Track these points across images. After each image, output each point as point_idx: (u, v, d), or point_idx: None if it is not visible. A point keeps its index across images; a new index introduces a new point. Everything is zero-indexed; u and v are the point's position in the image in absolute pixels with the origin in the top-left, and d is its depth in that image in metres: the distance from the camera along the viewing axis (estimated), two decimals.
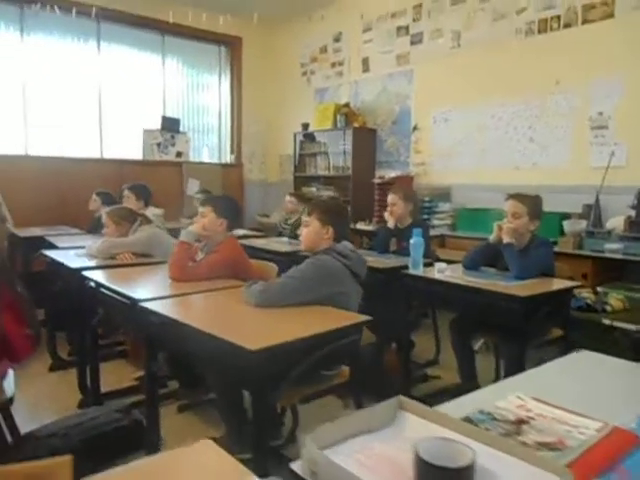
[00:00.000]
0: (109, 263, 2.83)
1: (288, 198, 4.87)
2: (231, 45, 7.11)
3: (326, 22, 6.42)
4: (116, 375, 3.17)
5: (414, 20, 5.50)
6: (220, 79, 7.21)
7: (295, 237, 4.10)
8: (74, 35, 6.03)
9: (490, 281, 2.41)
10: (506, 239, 2.56)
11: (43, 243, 3.95)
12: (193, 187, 6.64)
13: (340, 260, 1.95)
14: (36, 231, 4.36)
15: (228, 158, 7.33)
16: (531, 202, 2.62)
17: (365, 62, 6.09)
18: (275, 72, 7.28)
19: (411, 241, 2.67)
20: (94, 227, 4.53)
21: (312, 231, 2.03)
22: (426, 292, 2.66)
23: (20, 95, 5.70)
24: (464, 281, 2.44)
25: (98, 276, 2.50)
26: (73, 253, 3.19)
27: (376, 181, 5.63)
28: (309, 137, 6.61)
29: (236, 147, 7.31)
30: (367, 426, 0.93)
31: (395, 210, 3.38)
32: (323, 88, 6.67)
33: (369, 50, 6.03)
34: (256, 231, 6.71)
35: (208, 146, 7.24)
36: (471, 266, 2.69)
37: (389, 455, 0.86)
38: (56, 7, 5.22)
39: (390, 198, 3.41)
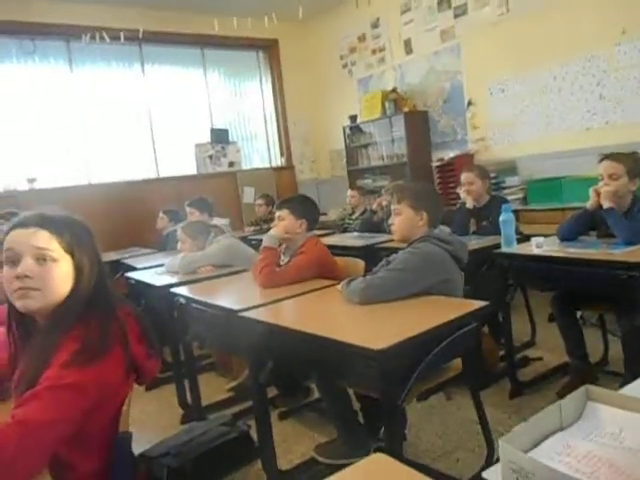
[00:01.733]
0: (193, 277, 2.82)
1: (350, 192, 4.78)
2: (268, 48, 7.09)
3: (361, 10, 6.26)
4: (210, 388, 3.17)
5: None
6: (261, 84, 7.21)
7: (367, 230, 4.01)
8: (119, 61, 6.18)
9: (596, 250, 2.23)
10: (606, 204, 2.36)
11: (121, 266, 4.03)
12: (249, 195, 6.67)
13: (441, 246, 1.84)
14: (111, 255, 4.46)
15: (279, 161, 7.32)
16: (629, 160, 2.40)
17: (407, 44, 5.91)
18: (315, 68, 7.21)
19: (500, 218, 2.51)
20: (164, 245, 4.60)
21: (405, 219, 1.93)
22: (522, 269, 2.50)
23: (78, 126, 5.88)
24: (567, 254, 2.27)
25: (186, 291, 2.49)
26: (153, 272, 3.23)
27: (435, 164, 5.46)
28: (357, 129, 6.49)
29: (285, 149, 7.29)
30: (558, 423, 0.82)
31: (473, 189, 3.22)
32: (366, 77, 6.53)
33: (410, 31, 5.84)
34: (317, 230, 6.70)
35: (258, 152, 7.26)
36: (568, 237, 2.51)
37: (601, 456, 0.74)
38: (105, 35, 5.32)
39: (465, 177, 3.26)
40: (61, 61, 5.83)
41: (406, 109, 5.78)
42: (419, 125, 5.80)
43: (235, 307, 1.97)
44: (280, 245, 2.51)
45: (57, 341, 1.07)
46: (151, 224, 5.12)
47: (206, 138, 6.62)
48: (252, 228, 5.30)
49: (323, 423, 2.54)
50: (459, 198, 5.11)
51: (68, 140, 5.84)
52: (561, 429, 0.82)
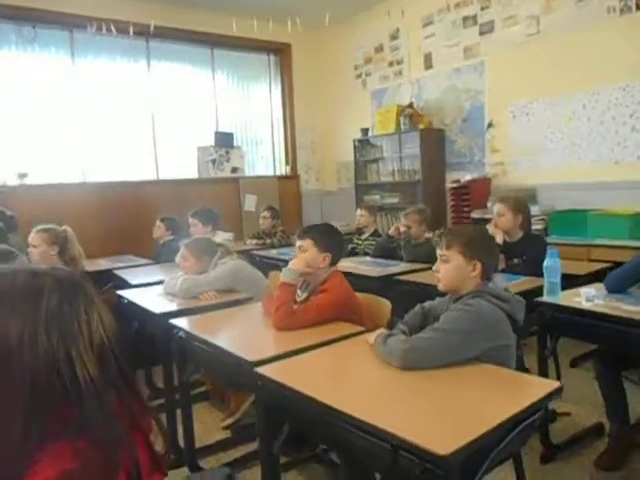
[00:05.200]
0: (195, 305, 2.53)
1: (359, 212, 4.50)
2: (280, 52, 6.82)
3: (381, 20, 6.03)
4: (202, 423, 2.88)
5: (482, 9, 5.04)
6: (270, 88, 6.94)
7: (380, 255, 3.74)
8: (124, 56, 5.88)
9: None
10: None
11: (111, 277, 3.73)
12: (250, 203, 6.38)
13: (497, 304, 1.57)
14: (102, 263, 4.16)
15: (283, 170, 7.03)
16: None
17: (427, 58, 5.67)
18: (327, 77, 6.95)
19: (545, 264, 2.25)
20: (159, 255, 4.30)
21: (454, 268, 1.65)
22: (567, 322, 2.23)
23: (75, 120, 5.57)
24: (623, 312, 2.00)
25: (186, 325, 2.20)
26: (149, 292, 2.93)
27: (451, 185, 5.20)
28: (368, 142, 6.24)
29: (291, 158, 7.01)
30: None
31: (503, 222, 2.96)
32: (381, 89, 6.28)
33: (431, 45, 5.60)
34: None
35: (262, 158, 6.97)
36: (619, 289, 2.25)
37: None
38: (112, 27, 5.04)
39: (497, 208, 3.00)
40: (62, 51, 5.50)
41: (422, 126, 5.53)
42: (434, 143, 5.54)
43: (249, 357, 1.69)
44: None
45: (35, 448, 0.77)
46: (147, 230, 4.80)
47: (210, 141, 6.33)
48: (255, 241, 5.00)
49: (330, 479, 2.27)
50: (472, 223, 4.92)
51: (64, 135, 5.52)
52: None
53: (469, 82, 5.26)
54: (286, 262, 4.01)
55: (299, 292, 2.18)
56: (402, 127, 5.68)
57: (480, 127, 5.20)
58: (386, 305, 2.23)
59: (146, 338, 2.76)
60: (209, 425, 2.90)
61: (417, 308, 1.94)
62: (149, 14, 5.49)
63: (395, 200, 5.88)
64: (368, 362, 1.62)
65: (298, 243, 2.17)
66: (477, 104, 5.21)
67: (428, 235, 3.62)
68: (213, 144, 6.32)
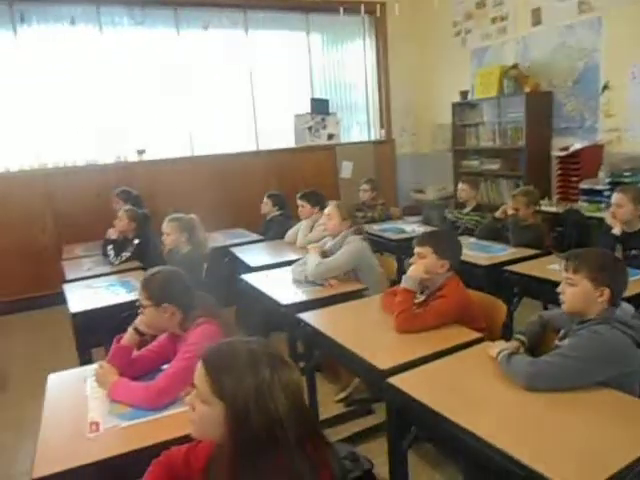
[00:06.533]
0: (318, 296, 2.75)
1: (461, 186, 4.45)
2: (375, 12, 6.63)
3: None
4: (318, 395, 3.16)
5: None
6: (365, 51, 6.84)
7: (485, 237, 3.74)
8: (221, 27, 6.04)
9: None
10: None
11: (226, 253, 4.06)
12: (347, 170, 6.50)
13: (625, 332, 1.62)
14: (217, 238, 4.50)
15: (378, 134, 7.02)
16: None
17: (535, 13, 5.30)
18: (423, 35, 6.71)
19: None
20: (266, 230, 4.58)
21: (580, 293, 1.70)
22: None
23: (182, 96, 5.88)
24: None
25: (313, 320, 2.42)
26: (267, 276, 3.20)
27: (558, 153, 4.98)
28: (468, 105, 6.04)
29: (385, 121, 6.97)
30: None
31: (621, 213, 2.87)
32: (482, 48, 5.99)
33: None
34: (412, 209, 6.45)
35: (358, 123, 6.99)
36: None
37: None
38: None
39: (615, 198, 2.90)
40: (169, 28, 5.77)
41: (527, 88, 5.26)
42: (541, 107, 5.27)
43: (380, 365, 1.88)
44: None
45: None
46: (249, 201, 5.09)
47: (306, 108, 6.45)
48: (360, 214, 5.13)
49: (445, 462, 2.46)
50: (580, 195, 4.71)
51: (174, 110, 5.88)
52: None
53: (583, 40, 4.88)
54: (388, 240, 4.17)
55: (417, 295, 2.32)
56: (505, 89, 5.44)
57: (593, 89, 4.86)
58: (501, 307, 2.32)
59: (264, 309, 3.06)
60: (323, 398, 3.16)
61: (535, 318, 2.02)
62: None
63: (495, 167, 5.73)
64: (492, 377, 1.74)
65: (417, 250, 2.29)
66: (591, 64, 4.85)
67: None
68: (309, 111, 6.44)
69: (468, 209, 4.45)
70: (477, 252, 3.41)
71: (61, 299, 3.12)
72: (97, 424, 1.57)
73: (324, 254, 3.09)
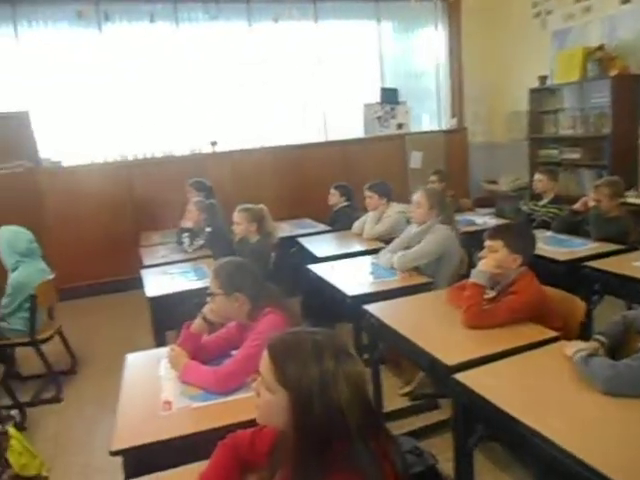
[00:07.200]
0: (384, 288, 2.74)
1: (537, 176, 4.24)
2: None
3: None
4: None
5: None
6: (437, 37, 6.65)
7: (563, 231, 3.55)
8: (292, 19, 6.08)
9: None
10: None
11: (293, 243, 4.11)
12: (416, 160, 6.37)
13: None
14: (285, 228, 4.58)
15: (449, 123, 6.82)
16: None
17: None
18: (500, 19, 6.41)
19: None
20: (334, 221, 4.60)
21: None
22: None
23: (251, 87, 5.99)
24: None
25: (379, 312, 2.40)
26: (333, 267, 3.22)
27: None
28: (547, 91, 5.72)
29: (457, 110, 6.75)
30: None
31: None
32: (564, 29, 5.64)
33: None
34: (483, 201, 6.22)
35: (428, 112, 6.83)
36: None
37: None
38: None
39: None
40: (241, 21, 5.88)
41: (614, 71, 4.91)
42: (629, 91, 4.90)
43: (446, 360, 1.84)
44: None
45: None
46: (316, 192, 5.11)
47: (375, 98, 6.38)
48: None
49: (513, 462, 2.38)
50: None
51: (245, 102, 6.01)
52: None
53: None
54: (459, 233, 4.06)
55: (487, 290, 2.23)
56: (589, 73, 5.10)
57: None
58: (579, 305, 2.19)
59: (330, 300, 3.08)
60: (388, 390, 3.13)
61: (618, 318, 1.89)
62: None
63: (576, 156, 5.41)
64: (567, 378, 1.66)
65: (488, 243, 2.20)
66: None
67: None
68: (379, 101, 6.36)
69: (545, 201, 4.23)
70: (554, 246, 3.25)
71: (139, 283, 3.30)
72: (170, 403, 1.65)
73: (406, 244, 3.08)
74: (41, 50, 5.26)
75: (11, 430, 2.24)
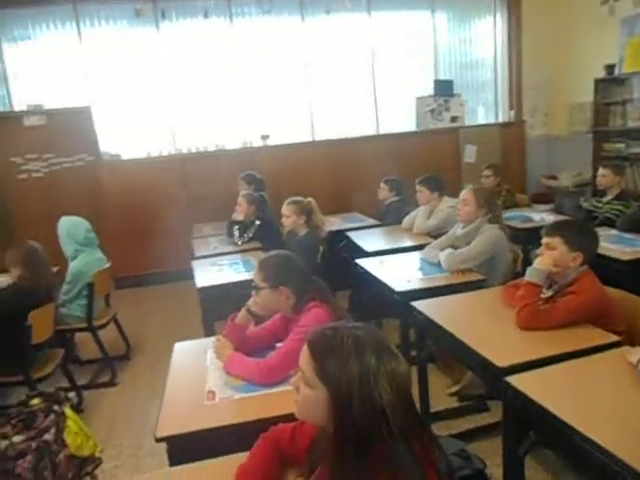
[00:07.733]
0: (435, 285, 2.67)
1: (601, 171, 3.99)
2: None
3: None
4: (431, 386, 3.07)
5: None
6: (495, 26, 6.41)
7: (629, 229, 3.33)
8: (345, 11, 6.01)
9: None
10: None
11: (343, 237, 4.08)
12: (470, 154, 6.18)
13: None
14: (334, 222, 4.55)
15: (506, 116, 6.57)
16: None
17: None
18: (563, 6, 6.09)
19: None
20: (384, 216, 4.52)
21: None
22: None
23: (303, 80, 5.99)
24: None
25: (426, 309, 2.33)
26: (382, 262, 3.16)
27: None
28: (614, 81, 5.40)
29: (515, 102, 6.49)
30: None
31: None
32: (634, 16, 5.30)
33: None
34: (541, 196, 5.96)
35: (484, 104, 6.61)
36: None
37: None
38: None
39: None
40: (294, 15, 5.88)
41: None
42: None
43: (497, 362, 1.75)
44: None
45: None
46: (367, 186, 5.05)
47: (428, 91, 6.23)
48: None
49: (566, 471, 2.26)
50: None
51: (297, 95, 6.02)
52: None
53: None
54: (513, 229, 3.91)
55: (544, 289, 2.12)
56: None
57: None
58: None
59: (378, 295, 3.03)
60: (435, 389, 3.05)
61: None
62: None
63: None
64: (628, 386, 1.54)
65: (545, 240, 2.09)
66: None
67: None
68: (432, 93, 6.21)
69: (609, 197, 3.99)
70: (618, 245, 3.06)
71: (191, 274, 3.37)
72: (214, 393, 1.66)
73: (452, 242, 3.00)
74: (102, 47, 5.46)
75: (68, 411, 2.33)
